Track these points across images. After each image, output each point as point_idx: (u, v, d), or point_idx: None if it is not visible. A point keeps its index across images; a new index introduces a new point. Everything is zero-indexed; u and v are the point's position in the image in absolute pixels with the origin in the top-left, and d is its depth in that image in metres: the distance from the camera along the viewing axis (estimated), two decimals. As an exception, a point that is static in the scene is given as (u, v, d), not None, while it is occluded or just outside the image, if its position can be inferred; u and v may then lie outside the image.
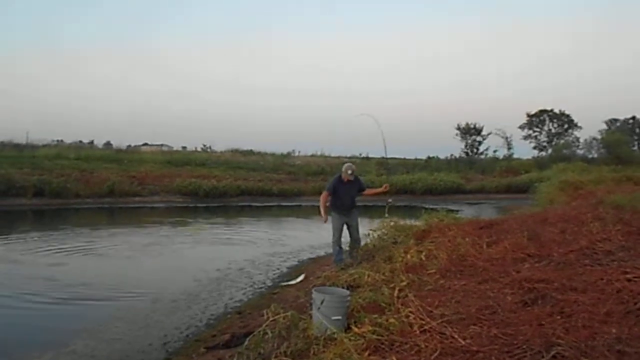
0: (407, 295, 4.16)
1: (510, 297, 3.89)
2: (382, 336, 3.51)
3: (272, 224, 16.02)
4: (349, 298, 4.02)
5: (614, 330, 2.91)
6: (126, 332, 5.44)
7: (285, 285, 6.88)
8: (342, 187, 7.11)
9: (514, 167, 33.78)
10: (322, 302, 3.78)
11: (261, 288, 7.14)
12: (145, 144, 42.31)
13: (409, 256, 5.84)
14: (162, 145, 41.52)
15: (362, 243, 7.35)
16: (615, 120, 48.16)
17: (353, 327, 3.74)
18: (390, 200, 7.89)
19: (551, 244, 5.12)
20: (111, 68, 68.21)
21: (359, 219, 7.38)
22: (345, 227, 7.17)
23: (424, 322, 3.61)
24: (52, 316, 6.12)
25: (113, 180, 21.39)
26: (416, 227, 7.85)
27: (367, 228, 8.26)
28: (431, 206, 17.56)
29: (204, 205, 20.67)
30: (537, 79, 72.95)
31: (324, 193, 7.12)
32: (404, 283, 4.75)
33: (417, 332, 3.47)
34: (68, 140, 36.54)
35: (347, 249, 7.23)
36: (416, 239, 7.00)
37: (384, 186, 7.45)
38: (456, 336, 3.26)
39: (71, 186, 20.24)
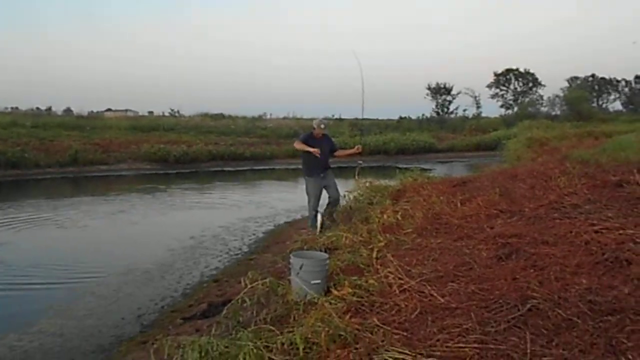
0: (385, 256, 4.21)
1: (485, 253, 3.98)
2: (362, 298, 3.55)
3: (245, 188, 15.90)
4: (327, 261, 4.04)
5: (584, 281, 3.01)
6: (96, 307, 5.28)
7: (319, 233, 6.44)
8: (315, 143, 6.88)
9: (483, 125, 34.32)
10: (301, 267, 3.78)
11: (237, 254, 7.10)
12: (109, 110, 40.84)
13: (385, 216, 5.88)
14: (126, 110, 40.20)
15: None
16: (576, 78, 49.37)
17: (333, 290, 3.77)
18: (360, 162, 7.77)
19: (522, 199, 5.24)
20: (69, 29, 65.11)
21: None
22: (323, 190, 7.02)
23: (403, 282, 3.67)
24: (14, 297, 5.76)
25: (75, 148, 20.49)
26: (391, 187, 7.90)
27: (343, 189, 8.24)
28: (404, 166, 17.70)
29: (175, 171, 20.27)
30: (504, 38, 73.48)
31: (296, 141, 6.97)
32: (382, 243, 4.80)
33: (397, 291, 3.53)
34: (23, 107, 34.68)
35: (323, 211, 7.13)
36: (392, 199, 7.05)
37: (356, 147, 7.25)
38: (435, 294, 3.33)
39: (29, 156, 19.11)
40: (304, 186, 7.11)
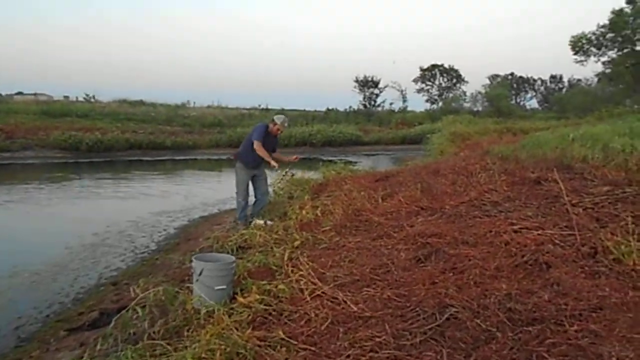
0: (298, 258, 3.86)
1: (404, 254, 3.75)
2: (270, 305, 3.19)
3: (163, 179, 14.98)
4: (233, 265, 3.62)
5: (504, 286, 2.83)
6: (-35, 318, 4.51)
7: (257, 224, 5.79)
8: (267, 138, 6.39)
9: (409, 119, 35.02)
10: (200, 273, 3.35)
11: (143, 253, 6.43)
12: (20, 93, 37.63)
13: (304, 212, 5.56)
14: (38, 94, 37.05)
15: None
16: (497, 75, 52.02)
17: (238, 297, 3.38)
18: (292, 172, 7.53)
19: (443, 195, 5.10)
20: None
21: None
22: (250, 182, 6.54)
23: (315, 287, 3.35)
24: None
25: (-26, 134, 18.61)
26: (313, 180, 7.60)
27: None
28: (330, 158, 17.57)
29: (87, 160, 18.82)
30: (430, 34, 75.92)
31: (257, 142, 6.22)
32: (297, 242, 4.47)
33: (308, 298, 3.20)
34: None
35: (252, 209, 6.62)
36: (313, 193, 6.75)
37: (294, 157, 6.91)
38: (348, 301, 3.03)
39: None
40: (235, 175, 6.53)
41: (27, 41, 62.00)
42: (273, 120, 6.52)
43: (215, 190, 11.50)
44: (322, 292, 3.25)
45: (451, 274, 3.14)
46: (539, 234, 3.33)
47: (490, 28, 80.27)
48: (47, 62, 60.36)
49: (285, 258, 3.82)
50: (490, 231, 3.65)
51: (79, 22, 69.34)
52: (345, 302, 3.05)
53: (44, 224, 8.38)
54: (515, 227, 3.60)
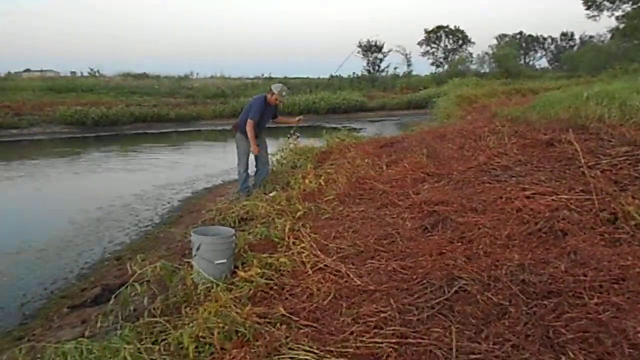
0: (300, 229, 3.73)
1: (410, 223, 3.60)
2: (272, 279, 3.08)
3: (168, 151, 14.85)
4: (233, 238, 3.50)
5: (516, 256, 2.68)
6: (-29, 294, 4.48)
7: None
8: (265, 110, 6.28)
9: (414, 83, 34.26)
10: (198, 247, 3.23)
11: (147, 226, 6.34)
12: (27, 70, 37.49)
13: (307, 182, 5.41)
14: (44, 71, 36.84)
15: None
16: (505, 35, 50.60)
17: (239, 271, 3.27)
18: (298, 134, 7.44)
19: (450, 161, 4.93)
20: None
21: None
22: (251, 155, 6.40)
23: (318, 260, 3.23)
24: None
25: (-19, 112, 18.54)
26: (316, 149, 7.43)
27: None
28: (334, 125, 17.26)
29: (93, 134, 18.74)
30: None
31: (250, 122, 6.13)
32: (300, 213, 4.33)
33: (310, 272, 3.08)
34: None
35: (253, 180, 6.51)
36: (316, 162, 6.59)
37: (297, 119, 6.84)
38: (351, 275, 2.91)
39: None
40: (235, 146, 6.43)
41: (33, 18, 61.16)
42: (271, 89, 6.37)
43: (219, 160, 11.37)
44: (325, 265, 3.13)
45: (459, 244, 2.99)
46: (553, 200, 3.15)
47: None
48: (54, 38, 59.68)
49: (287, 230, 3.68)
50: (501, 197, 3.48)
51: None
52: (348, 275, 2.93)
53: (51, 199, 8.34)
54: (527, 193, 3.43)
